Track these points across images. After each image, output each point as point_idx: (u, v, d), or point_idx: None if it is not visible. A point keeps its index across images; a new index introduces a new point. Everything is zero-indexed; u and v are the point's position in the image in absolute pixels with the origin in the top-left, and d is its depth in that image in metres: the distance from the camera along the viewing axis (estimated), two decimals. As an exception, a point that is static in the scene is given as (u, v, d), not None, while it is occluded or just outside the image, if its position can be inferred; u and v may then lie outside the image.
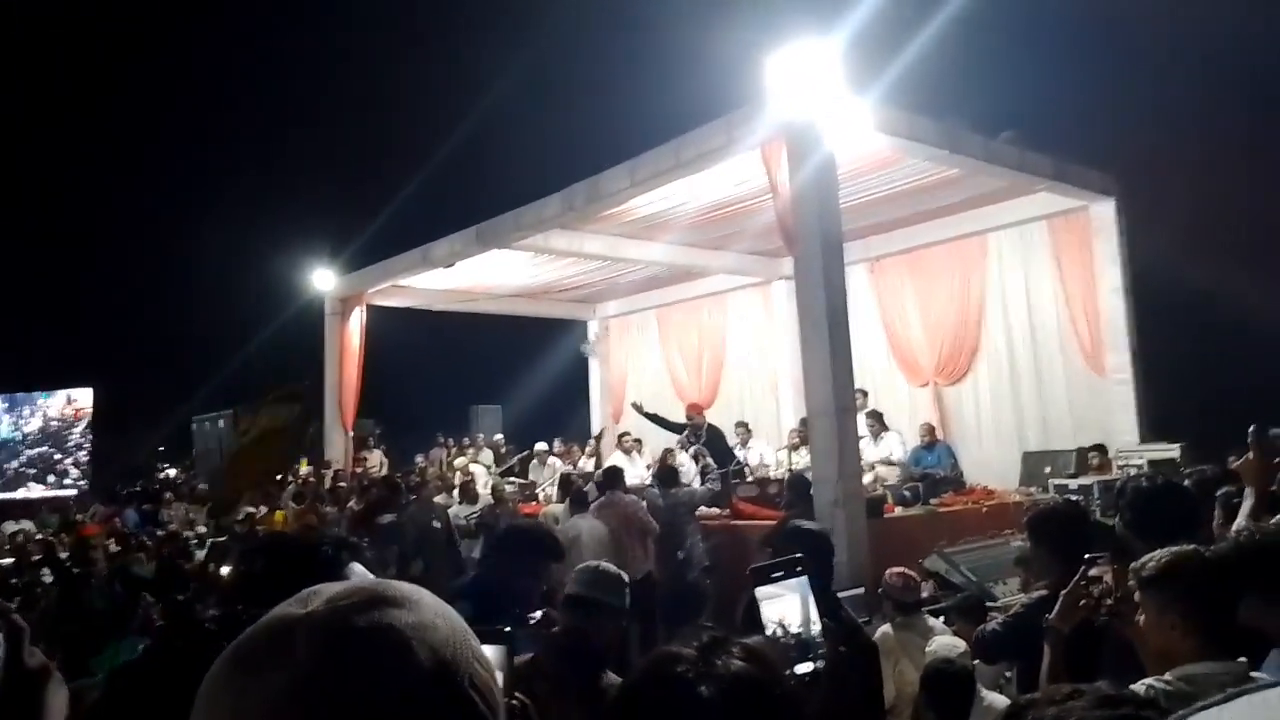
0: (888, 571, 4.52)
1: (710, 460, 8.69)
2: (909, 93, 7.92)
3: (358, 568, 1.87)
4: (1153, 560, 2.03)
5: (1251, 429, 2.78)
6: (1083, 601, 2.27)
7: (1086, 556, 2.34)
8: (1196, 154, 10.21)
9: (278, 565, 1.81)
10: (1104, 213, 9.60)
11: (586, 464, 11.82)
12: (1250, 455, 2.78)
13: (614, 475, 7.69)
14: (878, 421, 9.25)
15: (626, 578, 2.97)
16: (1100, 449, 8.55)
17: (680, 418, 13.38)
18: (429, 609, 0.73)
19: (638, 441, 11.39)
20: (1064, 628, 2.32)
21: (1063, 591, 2.35)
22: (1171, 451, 8.09)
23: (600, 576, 2.90)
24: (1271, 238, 9.83)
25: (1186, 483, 3.52)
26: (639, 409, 10.61)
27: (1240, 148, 10.61)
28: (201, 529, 10.83)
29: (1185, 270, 9.40)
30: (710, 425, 9.74)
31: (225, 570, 8.08)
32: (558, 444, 12.51)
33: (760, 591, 1.61)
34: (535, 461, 12.05)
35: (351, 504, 9.84)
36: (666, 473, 7.85)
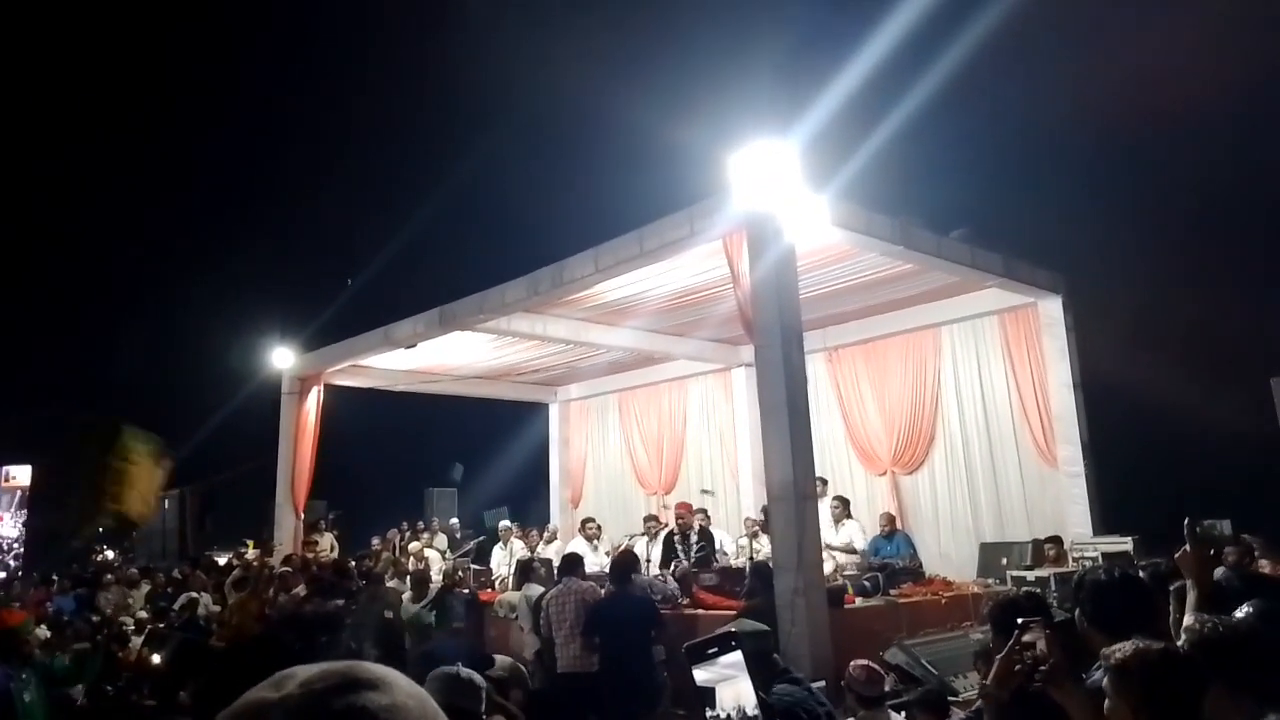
0: (851, 664, 4.46)
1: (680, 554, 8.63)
2: (865, 190, 8.23)
3: None
4: (1120, 652, 2.04)
5: (1186, 522, 2.82)
6: (1018, 667, 2.27)
7: (1020, 621, 2.31)
8: (1139, 253, 10.69)
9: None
10: (1052, 309, 9.92)
11: (545, 550, 11.62)
12: (1186, 548, 2.82)
13: (573, 561, 7.56)
14: (843, 506, 9.24)
15: (482, 683, 3.02)
16: (1056, 541, 8.63)
17: (639, 504, 13.29)
18: (402, 690, 0.73)
19: (599, 528, 11.25)
20: (1001, 693, 2.30)
21: (997, 657, 2.35)
22: (1125, 544, 8.19)
23: (454, 683, 2.93)
24: (1210, 334, 10.25)
25: (1141, 574, 3.56)
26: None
27: (1180, 248, 11.14)
28: (141, 614, 10.36)
29: (1131, 366, 9.72)
30: (702, 527, 9.53)
31: (156, 658, 7.74)
32: (516, 528, 12.31)
33: (714, 673, 1.63)
34: (499, 543, 11.82)
35: (298, 590, 9.53)
36: (625, 561, 7.71)
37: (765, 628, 3.26)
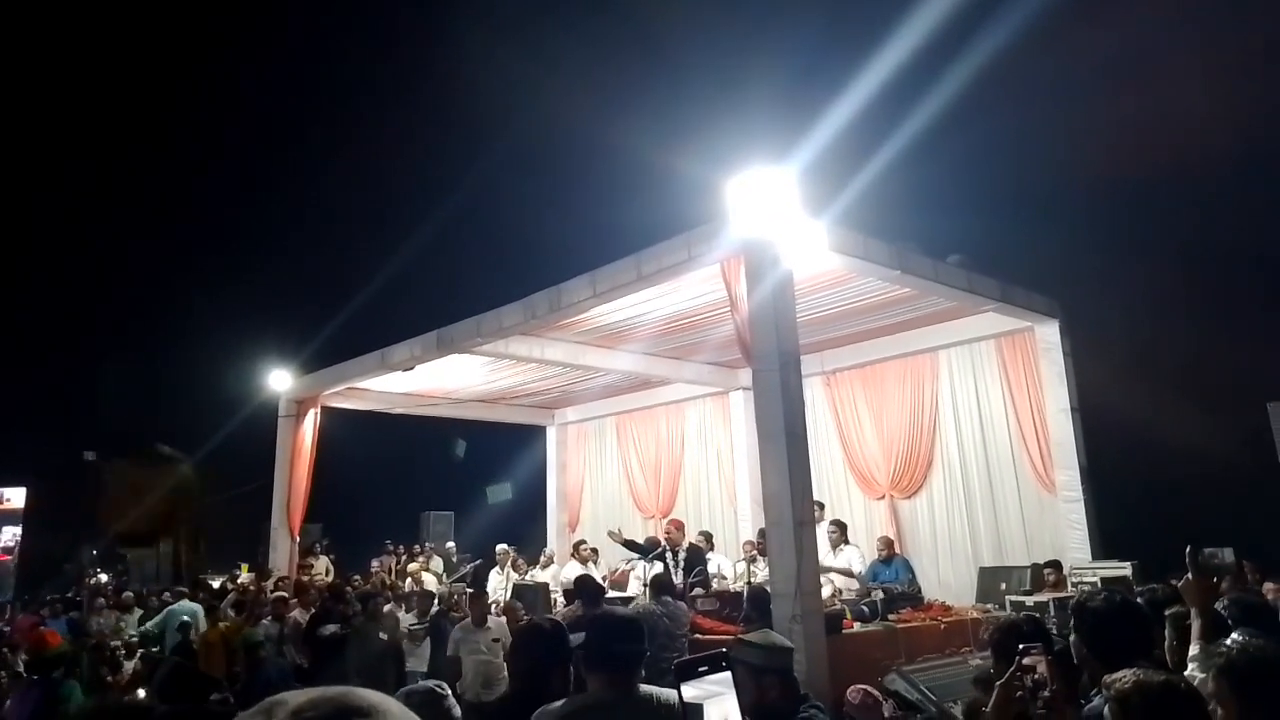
0: (850, 689, 4.44)
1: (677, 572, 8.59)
2: (862, 216, 8.27)
3: None
4: (1120, 682, 2.03)
5: (1188, 550, 2.82)
6: (1019, 693, 2.24)
7: (1020, 646, 2.30)
8: (1136, 280, 10.74)
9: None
10: (1049, 334, 9.94)
11: (541, 574, 11.54)
12: (1189, 577, 2.82)
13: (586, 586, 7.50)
14: (840, 531, 9.19)
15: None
16: (1055, 565, 8.60)
17: (637, 527, 13.22)
18: (396, 718, 0.71)
19: (594, 551, 11.19)
20: None
21: (998, 683, 2.32)
22: (1124, 570, 8.17)
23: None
24: (1207, 361, 10.28)
25: (1140, 600, 3.55)
26: (614, 537, 10.13)
27: (1177, 275, 11.20)
28: (131, 636, 10.27)
29: (1129, 391, 9.74)
30: (692, 545, 9.54)
31: (141, 693, 7.64)
32: (513, 551, 12.23)
33: (702, 690, 1.61)
34: (496, 566, 11.73)
35: (294, 614, 9.45)
36: (663, 582, 7.62)
37: (789, 645, 3.15)
